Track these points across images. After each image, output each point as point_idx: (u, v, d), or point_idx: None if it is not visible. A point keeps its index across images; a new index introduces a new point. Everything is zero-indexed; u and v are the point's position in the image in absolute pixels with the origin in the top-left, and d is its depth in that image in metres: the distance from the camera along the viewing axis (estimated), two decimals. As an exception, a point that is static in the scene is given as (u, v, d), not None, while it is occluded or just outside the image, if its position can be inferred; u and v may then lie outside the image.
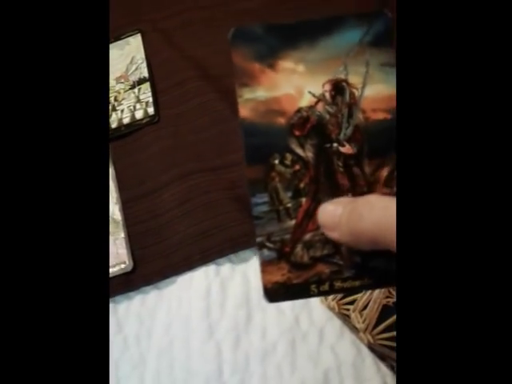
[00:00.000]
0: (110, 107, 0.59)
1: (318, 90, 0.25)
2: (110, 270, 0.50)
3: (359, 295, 0.43)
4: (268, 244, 0.26)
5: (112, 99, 0.59)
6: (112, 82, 0.61)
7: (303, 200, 0.26)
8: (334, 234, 0.25)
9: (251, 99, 0.25)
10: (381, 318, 0.42)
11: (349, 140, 0.26)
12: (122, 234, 0.52)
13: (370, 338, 0.42)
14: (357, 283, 0.26)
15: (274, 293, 0.26)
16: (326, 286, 0.26)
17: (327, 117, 0.26)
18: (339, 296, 0.44)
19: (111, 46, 0.63)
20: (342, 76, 0.25)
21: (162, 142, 0.56)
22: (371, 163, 0.26)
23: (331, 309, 0.45)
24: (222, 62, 0.59)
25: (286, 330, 0.45)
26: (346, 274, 0.26)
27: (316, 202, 0.26)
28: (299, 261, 0.26)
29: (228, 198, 0.51)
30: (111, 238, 0.51)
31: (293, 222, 0.26)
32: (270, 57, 0.25)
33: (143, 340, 0.48)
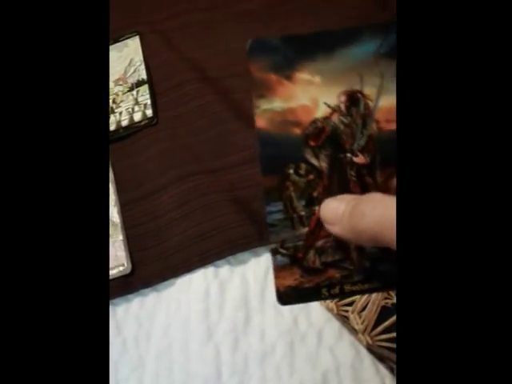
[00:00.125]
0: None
1: (333, 101, 0.26)
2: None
3: (357, 297, 0.43)
4: (282, 250, 0.27)
5: (110, 101, 0.59)
6: (110, 84, 0.60)
7: (316, 208, 0.26)
8: (335, 229, 0.25)
9: (268, 110, 0.26)
10: (379, 320, 0.42)
11: (362, 150, 0.26)
12: (121, 237, 0.52)
13: (368, 339, 0.42)
14: (366, 286, 0.27)
15: (287, 296, 0.27)
16: (336, 290, 0.27)
17: (342, 127, 0.26)
18: (338, 298, 0.44)
19: (110, 48, 0.63)
20: (357, 87, 0.26)
21: (160, 144, 0.56)
22: (383, 173, 0.26)
23: (330, 310, 0.45)
24: (220, 64, 0.59)
25: (284, 332, 0.46)
26: (356, 278, 0.27)
27: None
28: (311, 266, 0.27)
29: (227, 199, 0.51)
30: (110, 241, 0.51)
31: (306, 230, 0.26)
32: (286, 68, 0.25)
33: (142, 342, 0.48)
